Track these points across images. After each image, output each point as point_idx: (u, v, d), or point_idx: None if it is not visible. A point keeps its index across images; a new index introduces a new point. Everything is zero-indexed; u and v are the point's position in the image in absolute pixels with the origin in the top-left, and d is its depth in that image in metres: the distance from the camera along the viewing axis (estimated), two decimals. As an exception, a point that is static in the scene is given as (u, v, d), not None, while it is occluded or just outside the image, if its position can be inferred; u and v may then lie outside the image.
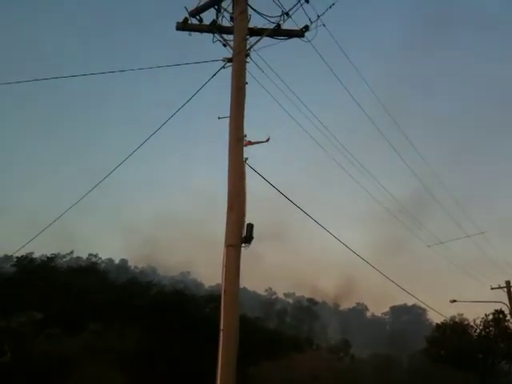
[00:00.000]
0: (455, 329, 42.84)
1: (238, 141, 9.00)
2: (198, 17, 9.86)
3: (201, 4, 9.77)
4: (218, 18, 9.77)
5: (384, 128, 15.17)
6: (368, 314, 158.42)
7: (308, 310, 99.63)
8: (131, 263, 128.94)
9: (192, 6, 9.83)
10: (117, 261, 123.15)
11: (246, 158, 8.93)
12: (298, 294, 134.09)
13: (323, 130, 11.55)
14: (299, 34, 9.85)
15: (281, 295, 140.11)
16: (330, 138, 11.93)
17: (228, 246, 8.48)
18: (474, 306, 37.19)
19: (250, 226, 8.53)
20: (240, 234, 8.52)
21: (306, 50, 10.15)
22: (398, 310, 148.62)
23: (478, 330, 41.73)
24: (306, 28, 9.77)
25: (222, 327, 7.92)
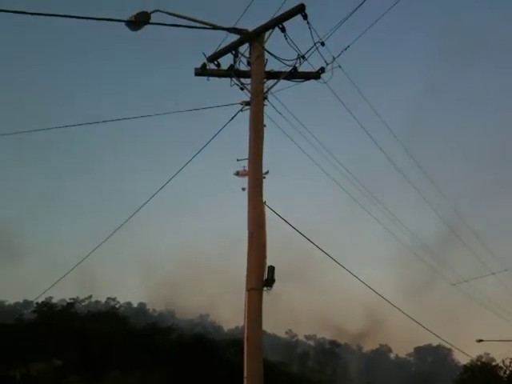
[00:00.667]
0: (484, 370, 41.41)
1: (256, 182, 8.99)
2: (215, 62, 10.03)
3: (219, 49, 9.95)
4: (235, 62, 9.91)
5: (408, 166, 15.05)
6: (392, 355, 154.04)
7: (330, 352, 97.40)
8: (149, 306, 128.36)
9: (210, 52, 10.07)
10: (135, 304, 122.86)
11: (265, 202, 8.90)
12: (319, 335, 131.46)
13: (343, 170, 11.51)
14: (315, 76, 9.93)
15: (302, 337, 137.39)
16: (350, 178, 11.87)
17: (249, 289, 8.34)
18: (502, 345, 35.99)
19: (272, 269, 8.40)
20: (261, 277, 8.38)
21: (324, 90, 10.25)
22: (422, 351, 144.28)
23: (507, 372, 40.29)
24: (322, 70, 9.85)
25: (245, 375, 7.70)
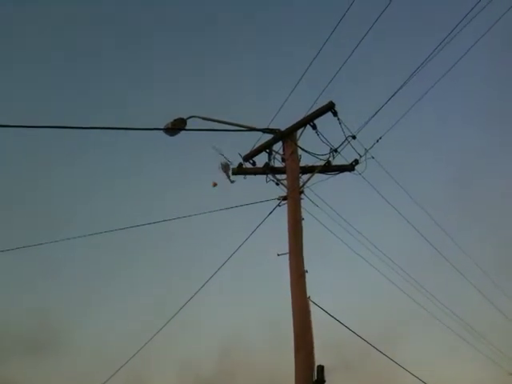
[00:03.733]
0: None
1: (299, 277, 8.89)
2: (251, 161, 10.38)
3: (254, 149, 10.33)
4: (270, 160, 10.23)
5: (447, 249, 14.68)
6: None
7: None
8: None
9: (245, 151, 10.46)
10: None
11: (309, 296, 8.74)
12: None
13: (385, 259, 11.34)
14: (349, 168, 10.14)
15: None
16: (392, 265, 11.65)
17: (299, 392, 7.97)
18: None
19: (321, 368, 8.06)
20: (310, 378, 8.04)
21: (360, 181, 10.39)
22: None
23: None
24: (356, 162, 10.07)
25: None
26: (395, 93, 8.86)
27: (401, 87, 8.88)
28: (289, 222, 9.55)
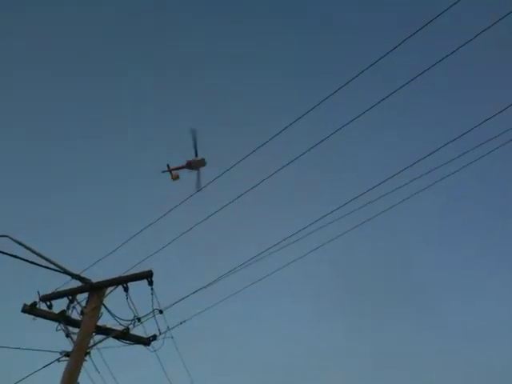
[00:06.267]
0: None
1: None
2: (48, 302, 9.63)
3: (56, 291, 9.66)
4: (68, 308, 9.59)
5: None
6: None
7: None
8: None
9: (48, 289, 9.72)
10: None
11: None
12: None
13: None
14: (146, 342, 9.87)
15: None
16: None
17: None
18: None
19: None
20: None
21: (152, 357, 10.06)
22: None
23: None
24: (154, 337, 9.87)
25: None
26: (207, 285, 9.20)
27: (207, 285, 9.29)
28: (63, 381, 8.71)
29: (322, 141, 8.33)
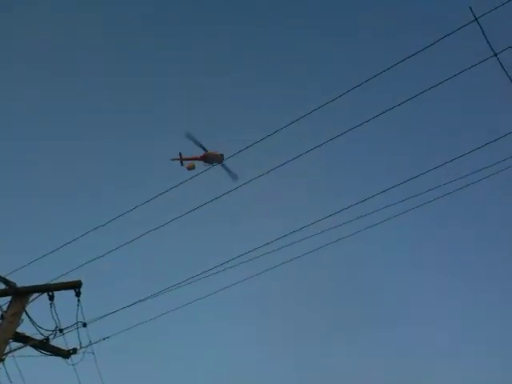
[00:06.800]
0: None
1: None
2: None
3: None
4: (-13, 311, 9.20)
5: None
6: None
7: None
8: None
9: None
10: None
11: None
12: None
13: None
14: (65, 354, 9.54)
15: None
16: None
17: None
18: None
19: None
20: None
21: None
22: None
23: None
24: (75, 351, 9.56)
25: None
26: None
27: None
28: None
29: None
